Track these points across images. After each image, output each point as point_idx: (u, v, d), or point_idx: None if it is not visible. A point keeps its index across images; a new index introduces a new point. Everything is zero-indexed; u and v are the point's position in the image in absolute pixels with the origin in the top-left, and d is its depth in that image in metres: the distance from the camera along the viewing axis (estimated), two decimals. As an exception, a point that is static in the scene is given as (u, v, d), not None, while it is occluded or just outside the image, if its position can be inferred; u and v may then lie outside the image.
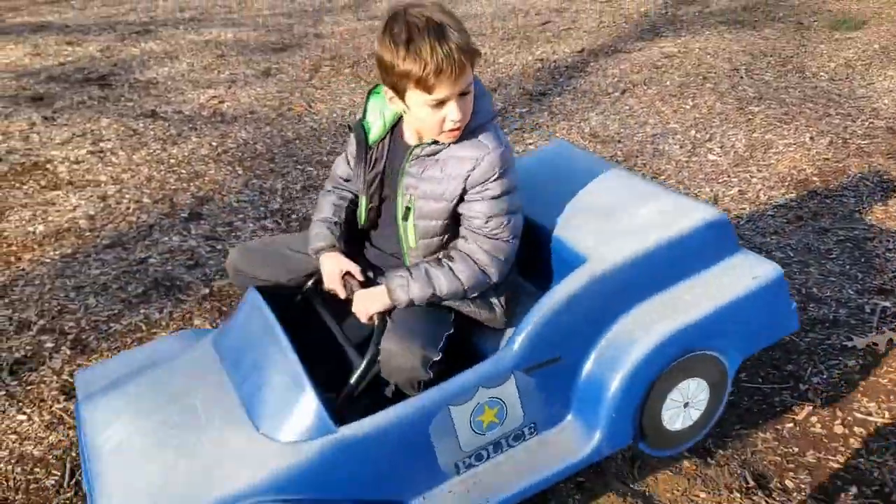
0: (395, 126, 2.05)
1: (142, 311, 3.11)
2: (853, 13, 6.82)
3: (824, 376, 2.66)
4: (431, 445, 1.84)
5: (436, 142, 1.93)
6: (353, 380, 1.85)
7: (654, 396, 1.99)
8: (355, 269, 2.06)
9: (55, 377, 2.73)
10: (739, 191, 3.93)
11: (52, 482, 2.33)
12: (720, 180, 4.05)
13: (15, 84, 5.79)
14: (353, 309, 1.99)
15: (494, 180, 1.89)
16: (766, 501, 2.19)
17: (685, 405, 2.08)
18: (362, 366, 1.85)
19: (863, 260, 3.29)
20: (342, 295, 2.05)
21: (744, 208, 3.76)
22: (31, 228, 3.74)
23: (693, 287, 2.04)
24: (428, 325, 1.92)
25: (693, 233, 2.03)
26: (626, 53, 6.14)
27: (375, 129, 2.06)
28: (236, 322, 2.08)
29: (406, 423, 1.79)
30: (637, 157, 4.37)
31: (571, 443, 1.97)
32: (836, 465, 2.32)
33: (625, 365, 1.91)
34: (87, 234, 3.69)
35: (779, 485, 2.26)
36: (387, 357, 1.85)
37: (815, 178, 4.01)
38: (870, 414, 2.50)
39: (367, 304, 1.96)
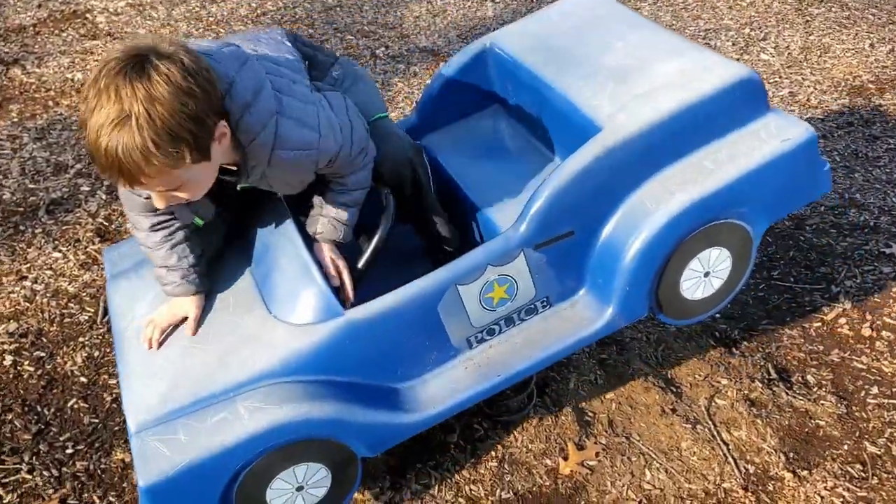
0: None
1: (177, 163, 3.10)
2: (930, -81, 6.43)
3: (857, 280, 2.63)
4: (441, 324, 1.82)
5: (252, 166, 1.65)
6: (360, 263, 1.85)
7: (672, 267, 1.91)
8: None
9: (90, 219, 2.76)
10: (790, 92, 3.81)
11: (86, 317, 2.38)
12: (771, 80, 3.92)
13: (54, -69, 5.65)
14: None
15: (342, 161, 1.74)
16: (787, 393, 2.20)
17: (705, 274, 1.99)
18: (371, 246, 1.84)
19: (911, 170, 3.20)
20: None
21: (793, 110, 3.65)
22: (69, 75, 3.72)
23: (717, 152, 1.89)
24: None
25: (716, 94, 1.86)
26: (685, -56, 5.87)
27: None
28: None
29: (413, 303, 1.76)
30: (687, 50, 4.22)
31: (585, 315, 1.92)
32: (859, 366, 2.32)
33: (639, 238, 1.83)
34: (125, 85, 3.66)
35: (800, 379, 2.27)
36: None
37: (870, 86, 3.87)
38: (900, 320, 2.49)
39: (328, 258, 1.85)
